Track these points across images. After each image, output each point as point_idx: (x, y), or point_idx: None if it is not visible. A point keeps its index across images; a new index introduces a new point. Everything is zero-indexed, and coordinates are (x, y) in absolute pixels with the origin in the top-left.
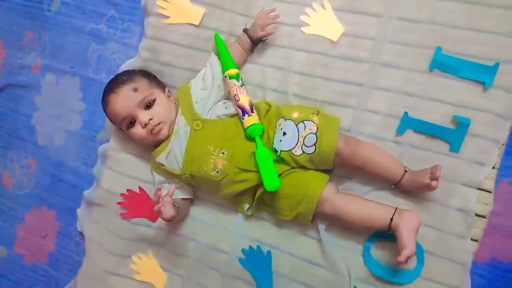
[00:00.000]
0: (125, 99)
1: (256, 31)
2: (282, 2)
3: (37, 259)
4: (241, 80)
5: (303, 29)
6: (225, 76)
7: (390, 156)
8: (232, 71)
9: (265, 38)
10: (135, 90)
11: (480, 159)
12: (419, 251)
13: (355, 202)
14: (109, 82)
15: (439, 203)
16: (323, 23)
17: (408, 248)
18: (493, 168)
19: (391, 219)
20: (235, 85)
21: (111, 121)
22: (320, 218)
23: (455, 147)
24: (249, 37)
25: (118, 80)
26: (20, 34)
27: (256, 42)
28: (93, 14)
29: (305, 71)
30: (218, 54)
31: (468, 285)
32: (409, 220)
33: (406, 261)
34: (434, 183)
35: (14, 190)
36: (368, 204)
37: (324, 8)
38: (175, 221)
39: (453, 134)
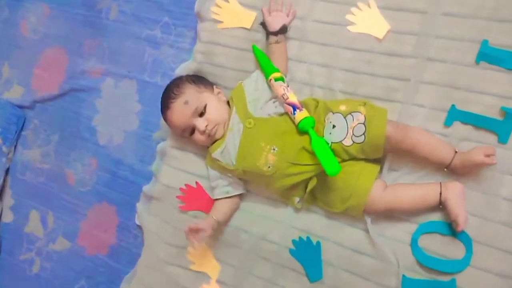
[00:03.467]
0: (180, 114)
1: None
2: (328, 2)
3: (98, 251)
4: (286, 81)
5: (349, 27)
6: (270, 80)
7: (438, 139)
8: (276, 74)
9: (283, 28)
10: (186, 103)
11: None
12: (467, 240)
13: (404, 191)
14: (163, 95)
15: (487, 193)
16: (369, 21)
17: (461, 214)
18: None
19: (440, 194)
20: (281, 85)
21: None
22: (373, 214)
23: (503, 138)
24: (264, 28)
25: (170, 95)
26: (81, 41)
27: (268, 31)
28: (148, 21)
29: (351, 68)
30: (259, 64)
31: None
32: (455, 191)
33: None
34: (487, 159)
35: (77, 187)
36: (416, 189)
37: (370, 7)
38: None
39: (501, 125)
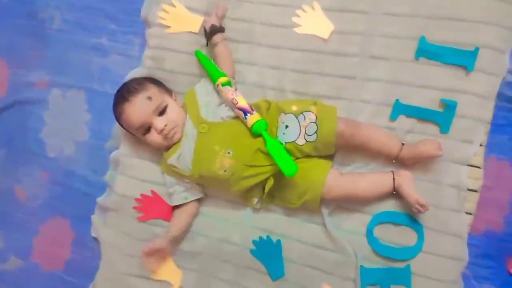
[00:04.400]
0: (140, 108)
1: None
2: (273, 5)
3: (53, 267)
4: (234, 85)
5: (295, 29)
6: (217, 85)
7: (386, 132)
8: (223, 79)
9: (213, 28)
10: (149, 98)
11: (468, 137)
12: (419, 227)
13: (360, 177)
14: (119, 91)
15: (434, 182)
16: (314, 22)
17: (420, 197)
18: (481, 145)
19: (394, 180)
20: (229, 90)
21: (125, 129)
22: (331, 203)
23: (444, 128)
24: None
25: (130, 89)
26: (24, 52)
27: (206, 33)
28: (94, 29)
29: (300, 68)
30: (204, 69)
31: (466, 256)
32: (406, 177)
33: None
34: (439, 151)
35: (28, 203)
36: (371, 176)
37: (313, 9)
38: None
39: (442, 116)
